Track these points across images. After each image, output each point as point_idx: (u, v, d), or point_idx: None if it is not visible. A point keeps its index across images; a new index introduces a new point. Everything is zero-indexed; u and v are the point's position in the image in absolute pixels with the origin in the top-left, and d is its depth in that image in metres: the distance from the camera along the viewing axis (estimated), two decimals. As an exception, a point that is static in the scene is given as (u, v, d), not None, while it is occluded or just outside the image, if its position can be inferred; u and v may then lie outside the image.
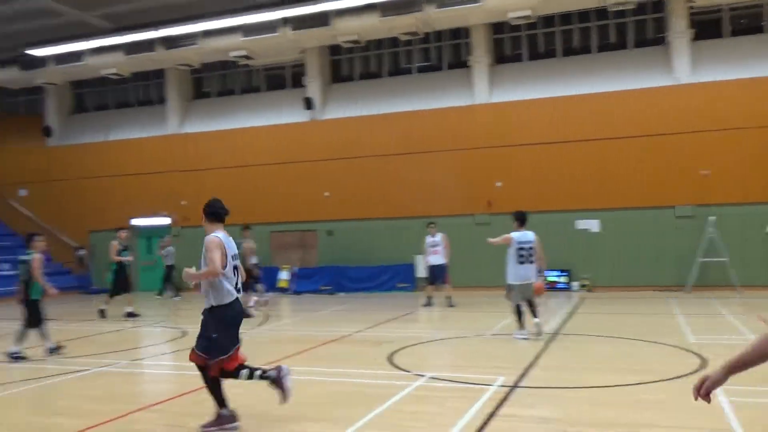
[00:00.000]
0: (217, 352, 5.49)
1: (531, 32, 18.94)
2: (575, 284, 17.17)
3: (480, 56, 18.74)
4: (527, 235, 9.77)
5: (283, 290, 19.06)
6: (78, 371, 8.31)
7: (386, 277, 18.58)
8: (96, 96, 24.13)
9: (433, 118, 18.77)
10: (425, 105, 19.08)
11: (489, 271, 16.59)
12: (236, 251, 6.00)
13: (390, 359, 8.35)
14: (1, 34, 20.02)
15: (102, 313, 14.18)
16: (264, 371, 5.68)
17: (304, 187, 19.82)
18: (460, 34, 19.55)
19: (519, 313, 9.74)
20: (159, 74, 22.50)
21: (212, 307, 5.57)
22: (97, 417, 5.98)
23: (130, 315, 14.22)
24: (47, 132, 23.55)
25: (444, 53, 19.93)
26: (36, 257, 9.44)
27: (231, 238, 6.12)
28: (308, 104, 19.98)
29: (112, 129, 23.03)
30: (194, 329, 11.91)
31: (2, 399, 6.99)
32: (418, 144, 18.74)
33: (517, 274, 9.69)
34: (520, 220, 9.85)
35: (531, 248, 9.71)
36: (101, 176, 22.29)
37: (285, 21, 17.88)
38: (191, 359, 5.65)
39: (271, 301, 16.50)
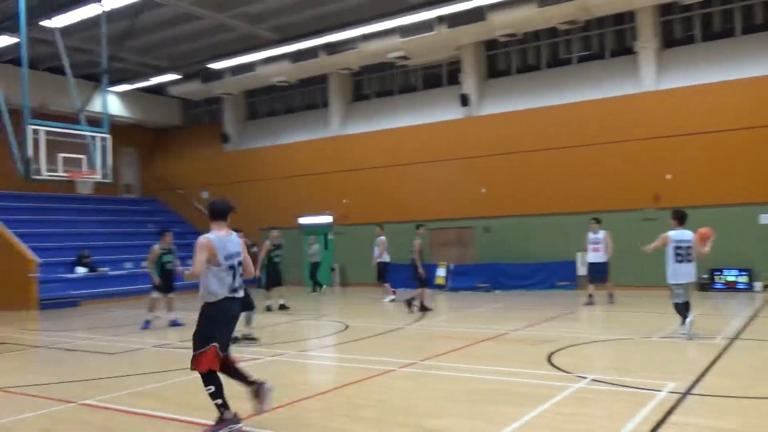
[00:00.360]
0: (196, 346, 5.54)
1: (704, 11, 17.51)
2: (757, 284, 15.63)
3: (646, 41, 17.64)
4: (685, 234, 9.60)
5: (439, 287, 19.23)
6: (252, 359, 8.98)
7: (545, 275, 18.10)
8: (266, 103, 25.86)
9: (595, 108, 17.98)
10: (587, 95, 18.32)
11: (655, 270, 15.59)
12: (235, 250, 5.79)
13: (549, 359, 8.15)
14: (187, 51, 22.08)
15: (269, 308, 15.19)
16: (248, 379, 5.70)
17: (460, 184, 19.85)
18: (623, 18, 18.53)
19: (683, 310, 9.59)
20: (322, 79, 23.64)
21: (203, 304, 5.63)
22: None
23: (282, 307, 15.23)
24: (225, 138, 25.66)
25: (606, 40, 19.01)
26: (266, 244, 10.44)
27: (233, 236, 5.94)
28: (464, 101, 19.98)
29: (280, 133, 24.57)
30: (356, 323, 12.44)
31: (188, 381, 7.74)
32: (578, 136, 18.05)
33: (676, 273, 9.52)
34: (680, 218, 9.73)
35: (689, 247, 9.52)
36: (271, 178, 23.86)
37: (440, 19, 18.00)
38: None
39: (430, 298, 16.74)
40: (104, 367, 8.87)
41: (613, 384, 6.77)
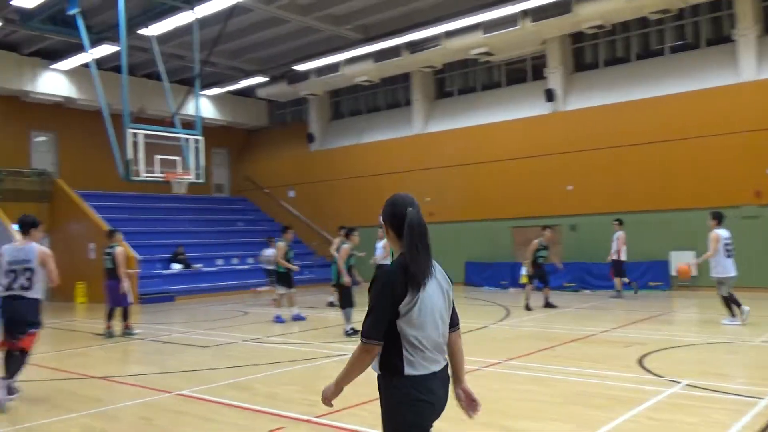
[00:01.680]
0: None
1: (812, -6, 16.40)
2: None
3: (746, 28, 16.66)
4: (726, 231, 10.64)
5: (524, 286, 18.87)
6: (340, 355, 9.16)
7: (636, 275, 17.42)
8: (350, 102, 26.22)
9: (690, 101, 17.15)
10: (680, 87, 17.50)
11: (754, 269, 14.77)
12: (18, 258, 6.90)
13: (640, 362, 7.87)
14: (274, 54, 22.71)
15: (332, 304, 15.49)
16: None
17: (545, 181, 19.44)
18: (720, 5, 17.60)
19: (730, 303, 10.57)
20: (405, 78, 23.73)
21: None
22: (355, 399, 6.53)
23: (331, 304, 15.49)
24: (310, 138, 26.22)
25: (702, 28, 18.10)
26: (345, 247, 11.17)
27: (18, 247, 7.04)
28: (549, 96, 19.56)
29: (364, 132, 24.85)
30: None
31: (278, 375, 7.99)
32: (671, 130, 17.27)
33: (726, 267, 10.48)
34: (720, 218, 10.76)
35: (731, 242, 10.60)
36: (354, 176, 24.16)
37: (525, 13, 17.68)
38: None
39: (513, 297, 16.54)
40: (198, 360, 9.27)
41: (709, 390, 6.46)
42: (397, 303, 2.90)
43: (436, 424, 5.51)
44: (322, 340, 10.79)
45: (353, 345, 9.81)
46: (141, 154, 14.93)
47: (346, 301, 11.12)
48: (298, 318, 13.38)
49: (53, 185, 21.66)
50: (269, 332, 11.91)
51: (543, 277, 14.26)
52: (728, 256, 10.45)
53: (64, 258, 21.26)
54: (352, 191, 24.17)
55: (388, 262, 15.43)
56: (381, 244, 13.44)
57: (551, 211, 19.29)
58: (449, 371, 3.23)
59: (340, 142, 25.35)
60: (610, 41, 19.59)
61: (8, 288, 6.84)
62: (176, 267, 20.80)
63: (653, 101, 17.73)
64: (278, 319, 13.29)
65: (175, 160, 16.23)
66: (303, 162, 26.31)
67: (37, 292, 6.95)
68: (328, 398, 3.23)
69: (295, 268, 13.56)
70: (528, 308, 13.75)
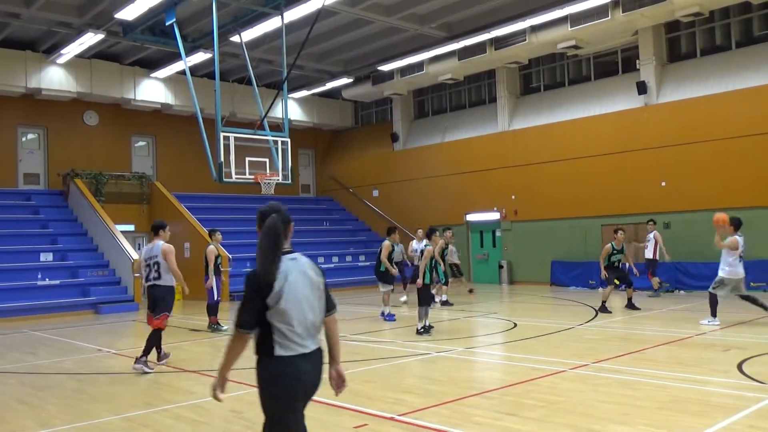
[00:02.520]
0: None
1: None
2: None
3: None
4: (742, 238, 11.06)
5: (616, 286, 18.20)
6: (422, 354, 9.17)
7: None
8: (434, 101, 26.17)
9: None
10: (786, 76, 16.42)
11: None
12: (148, 255, 8.72)
13: (740, 367, 7.43)
14: (358, 55, 23.00)
15: (445, 303, 15.58)
16: None
17: (637, 177, 18.70)
18: (832, -14, 16.38)
19: (715, 303, 11.04)
20: (490, 74, 23.45)
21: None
22: (437, 397, 6.53)
23: (445, 303, 15.53)
24: (394, 138, 26.37)
25: (810, 12, 16.90)
26: (429, 248, 11.23)
27: (149, 246, 8.93)
28: (642, 89, 18.80)
29: (448, 130, 24.75)
30: (525, 322, 12.21)
31: (362, 372, 8.08)
32: (776, 122, 16.23)
33: (737, 271, 10.99)
34: (738, 225, 11.18)
35: (743, 250, 10.96)
36: (438, 175, 24.09)
37: (615, 3, 17.07)
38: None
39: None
40: (285, 356, 9.50)
41: (818, 399, 6.03)
42: (264, 296, 3.39)
43: (521, 426, 5.43)
44: (406, 338, 10.83)
45: (437, 345, 9.82)
46: (232, 157, 15.45)
47: (424, 300, 11.15)
48: (389, 318, 13.42)
49: (151, 188, 22.81)
50: (354, 330, 12.07)
51: (624, 278, 13.70)
52: (740, 261, 11.04)
53: (162, 256, 22.39)
54: (436, 190, 24.12)
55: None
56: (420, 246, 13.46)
57: (644, 208, 18.54)
58: (326, 352, 3.71)
59: (424, 141, 25.35)
60: (708, 29, 18.60)
61: (146, 279, 8.66)
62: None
63: (757, 90, 16.71)
64: (388, 318, 13.37)
65: (264, 162, 16.71)
66: (387, 161, 26.50)
67: (166, 281, 8.61)
68: (213, 388, 3.58)
69: (393, 271, 13.77)
70: (605, 310, 13.25)
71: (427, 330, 11.02)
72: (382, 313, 13.58)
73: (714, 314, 11.09)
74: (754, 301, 11.08)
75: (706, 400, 6.18)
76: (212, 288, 12.60)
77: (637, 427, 5.34)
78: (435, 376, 7.73)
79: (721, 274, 11.09)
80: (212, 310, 12.71)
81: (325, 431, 5.59)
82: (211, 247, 12.77)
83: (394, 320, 13.37)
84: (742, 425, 5.29)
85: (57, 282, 17.54)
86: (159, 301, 8.57)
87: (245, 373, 8.11)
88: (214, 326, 12.68)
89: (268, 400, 3.48)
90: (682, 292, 16.94)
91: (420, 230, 15.79)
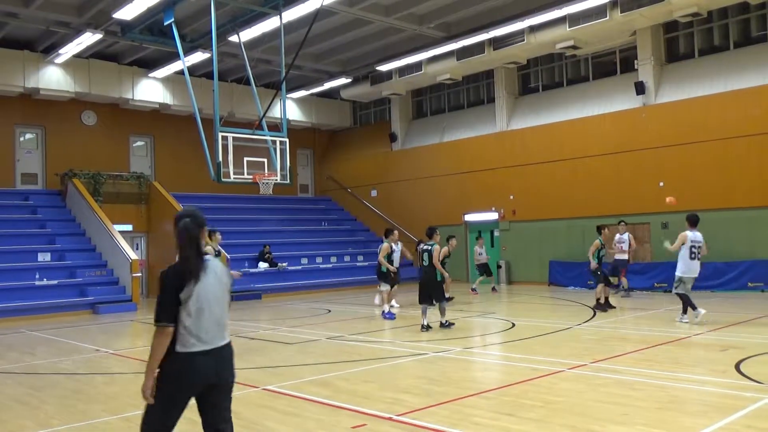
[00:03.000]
0: None
1: None
2: None
3: None
4: (697, 235, 11.11)
5: (615, 287, 18.23)
6: (419, 354, 9.17)
7: (734, 275, 16.51)
8: (432, 101, 26.17)
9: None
10: (784, 76, 16.44)
11: None
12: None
13: (738, 367, 7.44)
14: (357, 55, 22.99)
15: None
16: None
17: (635, 177, 18.71)
18: (830, -13, 16.39)
19: (685, 302, 11.05)
20: (488, 75, 23.46)
21: None
22: (436, 398, 6.54)
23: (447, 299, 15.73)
24: (393, 138, 26.36)
25: (809, 13, 16.92)
26: (437, 247, 11.72)
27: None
28: (640, 89, 18.81)
29: (446, 131, 24.75)
30: (523, 322, 12.22)
31: (360, 372, 8.09)
32: (774, 122, 16.25)
33: (689, 268, 11.02)
34: (694, 221, 11.24)
35: (700, 246, 11.06)
36: (437, 175, 24.09)
37: (614, 3, 17.08)
38: None
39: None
40: (284, 356, 9.52)
41: (816, 399, 6.04)
42: (178, 293, 3.64)
43: (520, 426, 5.43)
44: (404, 338, 10.84)
45: (434, 345, 9.83)
46: (230, 157, 15.44)
47: (441, 296, 11.72)
48: (389, 316, 13.63)
49: (150, 188, 22.79)
50: (352, 330, 12.08)
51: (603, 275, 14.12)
52: (692, 258, 11.03)
53: (160, 257, 22.39)
54: (435, 190, 24.12)
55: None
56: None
57: (642, 208, 18.57)
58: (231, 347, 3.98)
59: (423, 141, 25.35)
60: (706, 29, 18.62)
61: None
62: (263, 266, 21.42)
63: (755, 90, 16.73)
64: (388, 316, 13.62)
65: (262, 162, 16.70)
66: (385, 161, 26.49)
67: None
68: (144, 388, 3.69)
69: (392, 269, 14.46)
70: (601, 308, 13.53)
71: (448, 325, 11.57)
72: (383, 312, 13.72)
73: (685, 311, 11.23)
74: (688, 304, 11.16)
75: (704, 400, 6.19)
76: None
77: (636, 427, 5.35)
78: (433, 376, 7.73)
79: (678, 273, 11.24)
80: None
81: (323, 431, 5.59)
82: (209, 247, 12.72)
83: (394, 318, 13.45)
84: (739, 425, 5.30)
85: (55, 282, 17.52)
86: None
87: (242, 373, 8.13)
88: None
89: (159, 391, 3.66)
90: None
91: (396, 231, 16.02)
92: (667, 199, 13.61)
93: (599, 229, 14.73)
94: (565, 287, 19.49)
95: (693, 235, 11.09)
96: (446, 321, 11.66)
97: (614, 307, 13.87)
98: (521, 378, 7.29)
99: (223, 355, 3.84)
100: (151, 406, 3.68)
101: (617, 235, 16.47)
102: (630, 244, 16.45)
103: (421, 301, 11.69)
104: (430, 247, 11.81)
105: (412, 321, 12.91)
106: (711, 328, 10.66)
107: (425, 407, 6.16)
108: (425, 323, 11.52)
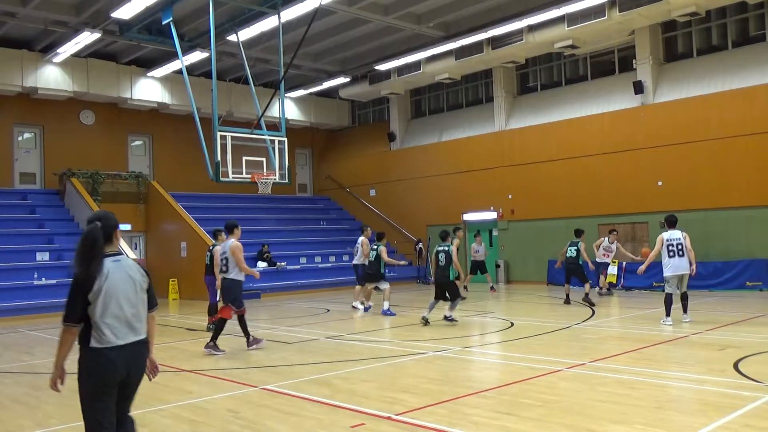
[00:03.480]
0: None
1: None
2: None
3: None
4: (674, 233, 11.28)
5: (611, 285, 18.27)
6: (418, 354, 9.17)
7: (732, 274, 16.54)
8: (431, 101, 26.18)
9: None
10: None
11: None
12: (221, 251, 9.96)
13: (736, 366, 7.46)
14: (356, 54, 22.98)
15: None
16: None
17: (634, 177, 18.74)
18: (828, -14, 16.41)
19: (668, 302, 11.16)
20: (487, 74, 23.48)
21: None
22: (435, 397, 6.54)
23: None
24: (391, 137, 26.36)
25: (806, 12, 16.93)
26: (453, 248, 12.03)
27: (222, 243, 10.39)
28: (638, 88, 18.83)
29: (445, 130, 24.75)
30: (522, 321, 12.22)
31: (359, 372, 8.09)
32: (772, 122, 16.27)
33: (669, 267, 11.12)
34: (671, 222, 11.53)
35: (678, 244, 11.12)
36: (435, 174, 24.10)
37: (612, 3, 17.10)
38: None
39: (600, 296, 16.12)
40: (283, 356, 9.51)
41: (814, 398, 6.05)
42: (86, 293, 3.82)
43: (519, 426, 5.43)
44: (403, 338, 10.84)
45: (433, 344, 9.83)
46: (229, 156, 15.42)
47: (455, 293, 12.17)
48: (388, 313, 14.01)
49: (148, 187, 22.77)
50: (351, 329, 12.08)
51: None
52: (671, 256, 11.13)
53: (158, 256, 22.39)
54: (433, 189, 24.13)
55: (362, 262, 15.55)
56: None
57: (640, 207, 18.61)
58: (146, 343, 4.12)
59: (421, 141, 25.35)
60: (704, 29, 18.64)
61: (220, 271, 9.90)
62: (262, 265, 21.40)
63: (753, 90, 16.76)
64: (387, 312, 13.98)
65: (261, 161, 16.69)
66: (384, 161, 26.50)
67: (232, 275, 9.68)
68: (52, 381, 3.99)
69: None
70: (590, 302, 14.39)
71: (452, 320, 12.09)
72: (384, 310, 13.94)
73: (668, 313, 11.24)
74: (672, 302, 11.28)
75: (703, 399, 6.20)
76: (215, 288, 12.39)
77: (635, 426, 5.35)
78: (432, 375, 7.73)
79: (665, 273, 11.40)
80: (212, 309, 12.65)
81: (322, 430, 5.59)
82: (217, 247, 12.60)
83: (395, 315, 13.65)
84: (738, 424, 5.30)
85: (53, 281, 17.50)
86: (225, 292, 9.81)
87: (241, 373, 8.14)
88: (210, 326, 12.63)
89: (82, 387, 3.87)
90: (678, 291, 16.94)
91: (369, 228, 16.71)
92: (643, 251, 14.83)
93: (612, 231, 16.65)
94: (563, 286, 19.45)
95: (669, 235, 11.28)
96: (450, 315, 12.07)
97: (594, 304, 14.51)
98: (520, 377, 7.30)
99: (135, 351, 4.00)
100: (83, 401, 3.87)
101: (605, 242, 16.66)
102: (616, 252, 16.79)
103: (435, 298, 12.24)
104: (447, 248, 12.09)
105: (411, 321, 12.91)
106: (710, 327, 10.68)
107: (424, 406, 6.16)
108: (426, 316, 12.00)
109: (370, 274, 14.51)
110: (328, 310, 15.55)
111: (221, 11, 17.29)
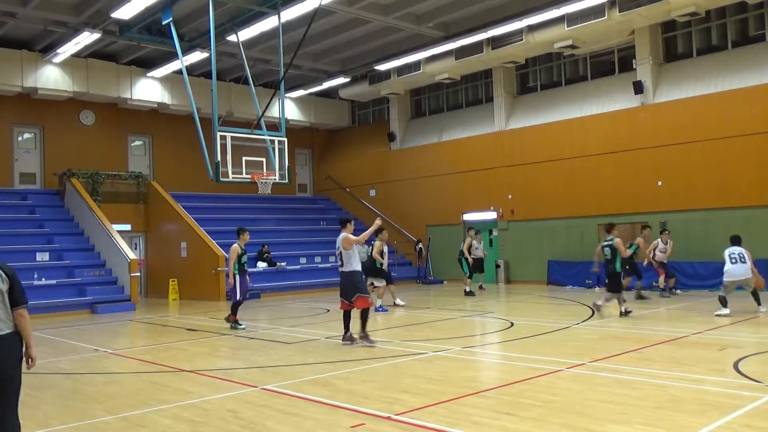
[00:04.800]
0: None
1: None
2: None
3: None
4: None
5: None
6: (419, 354, 9.17)
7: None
8: (431, 101, 26.17)
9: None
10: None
11: None
12: (337, 245, 10.19)
13: (736, 366, 7.46)
14: (356, 54, 22.98)
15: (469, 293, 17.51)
16: None
17: (634, 177, 18.73)
18: (828, -14, 16.41)
19: (723, 300, 12.01)
20: (487, 74, 23.47)
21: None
22: (434, 397, 6.54)
23: (469, 293, 17.44)
24: (391, 137, 26.36)
25: (806, 12, 16.92)
26: (618, 240, 12.42)
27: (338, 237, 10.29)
28: (638, 88, 18.82)
29: (445, 130, 24.75)
30: (522, 321, 12.21)
31: (358, 372, 8.08)
32: (772, 122, 16.27)
33: (726, 272, 12.12)
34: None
35: (741, 254, 12.12)
36: (435, 174, 24.10)
37: (612, 3, 17.09)
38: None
39: (599, 296, 16.08)
40: (282, 356, 9.51)
41: (814, 398, 6.05)
42: None
43: (519, 426, 5.43)
44: (402, 338, 10.84)
45: (433, 344, 9.82)
46: (229, 156, 15.41)
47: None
48: (381, 309, 14.47)
49: (148, 187, 22.77)
50: (351, 329, 12.04)
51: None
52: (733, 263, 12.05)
53: (158, 257, 22.38)
54: (433, 190, 24.13)
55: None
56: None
57: (640, 207, 18.61)
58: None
59: (421, 141, 25.35)
60: (704, 29, 18.63)
61: (340, 266, 10.13)
62: (261, 265, 21.41)
63: (753, 90, 16.76)
64: (380, 309, 14.46)
65: (261, 161, 16.68)
66: (384, 161, 26.49)
67: (348, 267, 9.94)
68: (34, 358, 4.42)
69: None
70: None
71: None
72: (376, 307, 14.26)
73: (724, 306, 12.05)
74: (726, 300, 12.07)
75: (703, 399, 6.19)
76: (235, 286, 12.54)
77: (634, 426, 5.35)
78: (432, 375, 7.73)
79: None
80: (233, 308, 12.63)
81: (322, 431, 5.59)
82: (235, 245, 12.68)
83: (387, 311, 14.20)
84: (738, 424, 5.30)
85: (53, 282, 17.51)
86: (344, 287, 9.97)
87: (241, 373, 8.14)
88: (233, 324, 12.61)
89: None
90: (678, 291, 16.96)
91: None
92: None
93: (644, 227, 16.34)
94: (563, 286, 19.51)
95: (730, 251, 12.23)
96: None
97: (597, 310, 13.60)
98: (520, 377, 7.30)
99: (6, 344, 4.16)
100: None
101: (660, 245, 16.01)
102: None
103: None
104: (612, 241, 12.57)
105: (411, 321, 12.92)
106: (710, 327, 10.68)
107: (424, 406, 6.16)
108: (599, 304, 12.60)
109: (367, 268, 14.53)
110: (328, 310, 15.54)
111: (221, 11, 17.28)
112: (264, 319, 14.84)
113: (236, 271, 12.52)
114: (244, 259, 12.74)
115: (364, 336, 9.86)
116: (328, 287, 21.35)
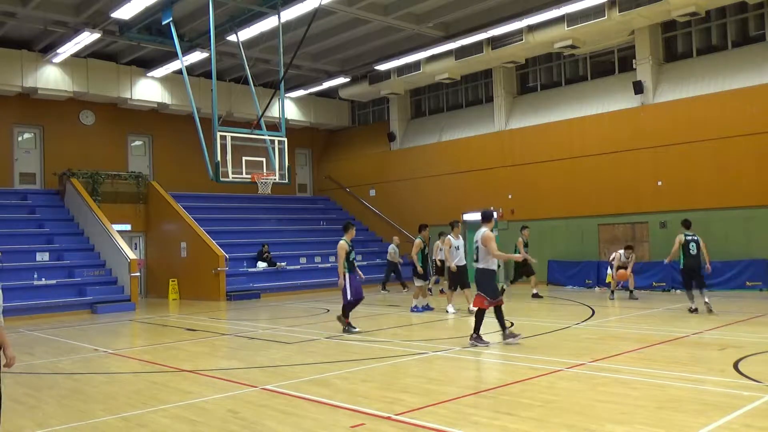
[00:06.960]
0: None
1: None
2: None
3: None
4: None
5: (608, 285, 18.25)
6: (419, 354, 9.17)
7: (732, 274, 16.53)
8: (431, 101, 26.17)
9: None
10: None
11: None
12: (475, 239, 9.90)
13: (736, 366, 7.45)
14: (356, 54, 22.98)
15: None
16: None
17: (634, 177, 18.73)
18: (828, -14, 16.40)
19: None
20: (487, 74, 23.47)
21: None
22: (434, 397, 6.54)
23: (535, 296, 16.78)
24: (391, 137, 26.35)
25: (806, 12, 16.92)
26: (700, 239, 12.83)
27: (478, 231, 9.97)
28: (638, 88, 18.83)
29: (445, 130, 24.75)
30: (521, 321, 12.21)
31: (358, 372, 8.08)
32: (772, 122, 16.26)
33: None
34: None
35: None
36: (435, 175, 24.09)
37: (612, 3, 17.10)
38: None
39: (599, 296, 16.08)
40: (282, 356, 9.51)
41: (814, 397, 6.04)
42: None
43: (519, 426, 5.43)
44: (402, 338, 10.84)
45: (433, 344, 9.82)
46: (229, 156, 15.42)
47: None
48: (418, 310, 14.68)
49: (148, 187, 22.77)
50: (350, 329, 12.05)
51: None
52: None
53: (158, 257, 22.38)
54: (433, 189, 24.12)
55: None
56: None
57: (640, 207, 18.61)
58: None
59: (421, 141, 25.35)
60: (704, 29, 18.63)
61: (475, 261, 9.79)
62: (261, 265, 21.41)
63: (753, 90, 16.76)
64: (418, 309, 14.62)
65: (261, 161, 16.68)
66: (384, 161, 26.49)
67: (483, 264, 9.66)
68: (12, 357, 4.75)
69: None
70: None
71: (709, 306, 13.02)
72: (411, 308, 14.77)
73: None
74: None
75: (703, 399, 6.19)
76: (345, 286, 11.44)
77: (635, 426, 5.35)
78: (432, 375, 7.73)
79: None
80: (344, 310, 11.62)
81: (322, 431, 5.59)
82: (342, 242, 11.52)
83: (422, 311, 14.54)
84: (738, 424, 5.30)
85: (53, 282, 17.51)
86: (477, 282, 9.72)
87: (241, 373, 8.14)
88: (346, 327, 11.52)
89: None
90: (678, 291, 16.95)
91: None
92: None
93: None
94: (564, 286, 19.51)
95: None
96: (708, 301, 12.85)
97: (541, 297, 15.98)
98: (520, 377, 7.30)
99: None
100: None
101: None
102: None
103: (686, 288, 13.08)
104: (696, 237, 12.97)
105: (411, 321, 12.91)
106: (709, 327, 10.68)
107: (424, 406, 6.16)
108: (692, 306, 12.74)
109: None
110: (328, 310, 15.54)
111: (221, 11, 17.28)
112: (263, 319, 14.85)
113: (346, 270, 11.44)
114: (353, 255, 11.61)
115: (477, 337, 9.56)
116: (328, 287, 21.36)
